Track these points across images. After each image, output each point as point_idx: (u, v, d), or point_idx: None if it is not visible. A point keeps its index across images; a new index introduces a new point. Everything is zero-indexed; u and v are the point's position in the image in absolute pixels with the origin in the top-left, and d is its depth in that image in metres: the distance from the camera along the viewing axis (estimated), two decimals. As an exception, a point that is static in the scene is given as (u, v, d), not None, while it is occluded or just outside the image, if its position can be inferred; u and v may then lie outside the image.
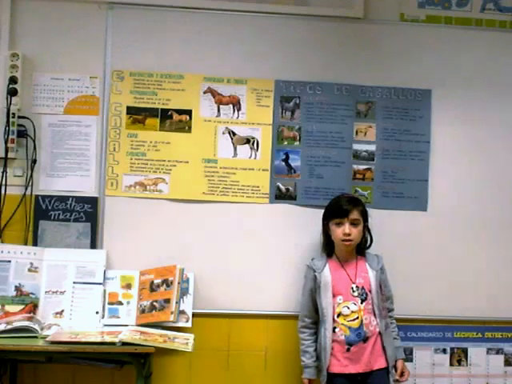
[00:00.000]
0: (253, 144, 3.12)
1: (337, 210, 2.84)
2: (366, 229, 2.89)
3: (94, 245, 3.04)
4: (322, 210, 2.94)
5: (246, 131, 3.12)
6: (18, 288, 2.87)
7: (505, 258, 3.19)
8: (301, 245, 3.08)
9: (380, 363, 2.77)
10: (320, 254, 2.93)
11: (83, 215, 3.05)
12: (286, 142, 3.14)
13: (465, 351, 3.19)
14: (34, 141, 3.02)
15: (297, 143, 3.14)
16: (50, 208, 3.03)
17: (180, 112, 3.11)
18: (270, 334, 3.09)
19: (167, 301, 2.92)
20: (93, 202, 3.06)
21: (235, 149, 3.12)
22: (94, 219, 3.05)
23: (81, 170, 3.07)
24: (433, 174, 3.17)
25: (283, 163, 3.13)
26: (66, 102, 3.08)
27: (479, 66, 3.22)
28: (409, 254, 3.12)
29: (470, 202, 3.19)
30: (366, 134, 3.16)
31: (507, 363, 3.21)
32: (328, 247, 2.91)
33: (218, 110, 3.12)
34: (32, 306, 2.86)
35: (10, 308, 2.83)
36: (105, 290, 2.95)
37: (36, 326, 2.68)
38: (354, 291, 2.79)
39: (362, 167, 3.16)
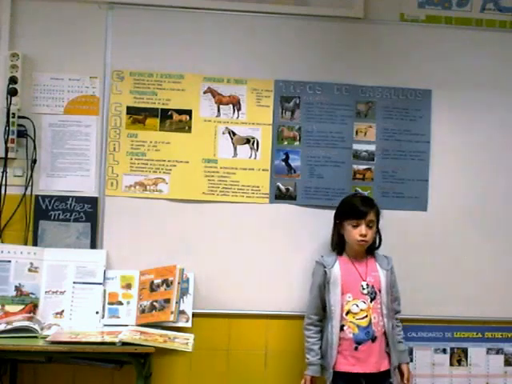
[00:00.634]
0: (253, 144, 3.12)
1: (354, 211, 2.81)
2: (377, 229, 2.88)
3: (93, 245, 3.04)
4: (322, 210, 2.95)
5: (246, 131, 3.12)
6: (18, 288, 2.87)
7: (505, 258, 3.19)
8: (301, 245, 3.08)
9: (384, 365, 2.76)
10: (329, 252, 2.91)
11: (83, 215, 3.05)
12: (286, 142, 3.14)
13: (465, 351, 3.19)
14: (34, 141, 3.02)
15: (297, 143, 3.14)
16: (50, 208, 3.03)
17: (180, 112, 3.10)
18: (269, 334, 3.09)
19: (167, 301, 2.92)
20: (93, 202, 3.06)
21: (235, 149, 3.12)
22: (93, 219, 3.05)
23: (81, 169, 3.07)
24: (433, 174, 3.17)
25: (283, 163, 3.13)
26: (66, 101, 3.08)
27: (479, 66, 3.22)
28: (409, 254, 3.11)
29: (470, 202, 3.19)
30: (366, 134, 3.16)
31: (507, 363, 3.20)
32: (338, 246, 2.89)
33: (218, 110, 3.12)
34: (32, 306, 2.85)
35: (10, 308, 2.82)
36: (105, 290, 2.95)
37: (36, 326, 2.68)
38: (363, 289, 2.77)
39: (362, 167, 3.15)
